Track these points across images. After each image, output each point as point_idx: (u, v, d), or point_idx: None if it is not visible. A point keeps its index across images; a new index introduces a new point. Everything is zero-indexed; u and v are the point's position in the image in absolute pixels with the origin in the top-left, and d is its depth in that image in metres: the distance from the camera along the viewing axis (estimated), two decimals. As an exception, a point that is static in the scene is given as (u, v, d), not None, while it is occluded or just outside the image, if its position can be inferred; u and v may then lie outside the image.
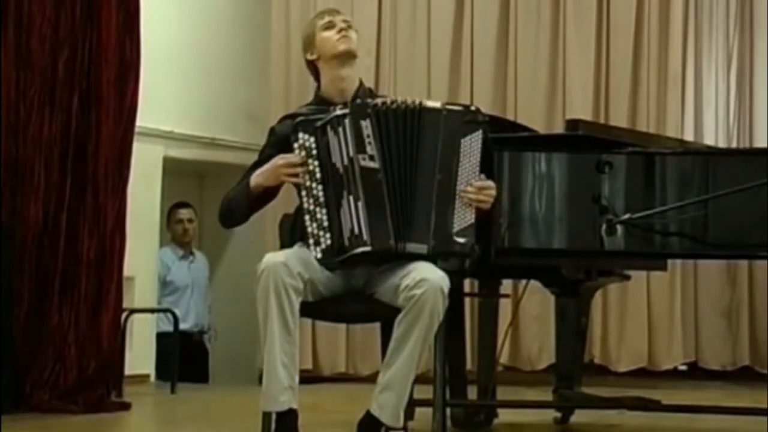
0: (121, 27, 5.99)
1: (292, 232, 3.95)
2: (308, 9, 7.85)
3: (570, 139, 4.76)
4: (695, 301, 7.98)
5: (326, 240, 3.72)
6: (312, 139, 3.75)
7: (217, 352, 8.31)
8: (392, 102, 3.79)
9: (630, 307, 7.86)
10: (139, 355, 7.14)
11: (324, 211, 3.73)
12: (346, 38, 3.93)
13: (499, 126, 4.81)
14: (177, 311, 7.21)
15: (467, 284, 5.27)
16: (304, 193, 3.76)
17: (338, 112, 3.76)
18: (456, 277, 4.01)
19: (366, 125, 3.73)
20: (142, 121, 6.34)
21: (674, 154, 4.67)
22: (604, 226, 4.47)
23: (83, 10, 5.84)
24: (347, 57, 3.93)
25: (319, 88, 4.04)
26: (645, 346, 7.85)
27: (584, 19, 8.03)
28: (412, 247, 3.71)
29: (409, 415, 4.10)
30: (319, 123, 3.76)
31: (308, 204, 3.74)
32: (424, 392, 4.04)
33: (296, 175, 3.74)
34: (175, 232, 8.14)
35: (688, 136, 7.74)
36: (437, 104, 3.81)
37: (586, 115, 7.48)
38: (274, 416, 3.64)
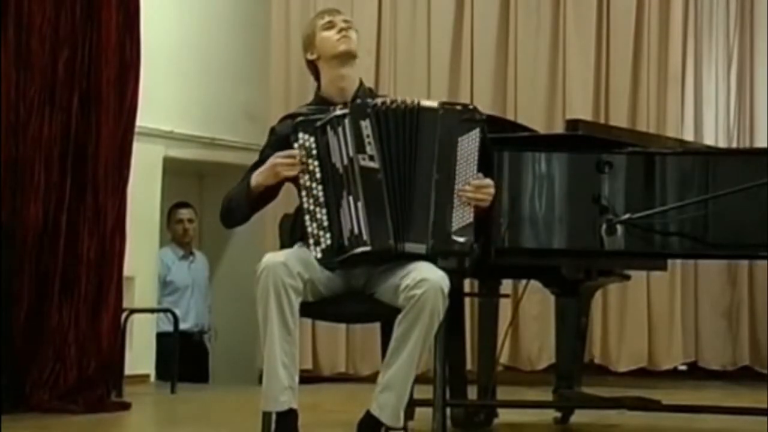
0: (121, 27, 5.99)
1: (292, 232, 3.95)
2: (308, 9, 7.85)
3: (570, 139, 4.76)
4: (695, 301, 7.98)
5: (326, 240, 3.72)
6: (312, 139, 3.75)
7: (217, 352, 8.31)
8: (392, 102, 3.79)
9: (630, 307, 7.86)
10: (139, 355, 7.14)
11: (324, 211, 3.73)
12: (346, 38, 3.93)
13: (499, 126, 4.81)
14: (177, 311, 7.21)
15: (467, 284, 5.27)
16: (304, 193, 3.76)
17: (338, 112, 3.76)
18: (456, 277, 4.00)
19: (366, 125, 3.73)
20: (142, 121, 6.34)
21: (674, 154, 4.67)
22: (604, 226, 4.47)
23: (83, 10, 5.84)
24: (347, 57, 3.93)
25: (319, 88, 4.04)
26: (645, 346, 7.85)
27: (584, 19, 8.03)
28: (412, 246, 3.71)
29: (409, 415, 4.10)
30: (319, 123, 3.76)
31: (308, 204, 3.74)
32: (424, 392, 4.04)
33: (294, 168, 3.74)
34: (175, 232, 8.14)
35: (688, 136, 7.75)
36: (434, 104, 3.81)
37: (586, 115, 7.48)
38: (274, 416, 3.64)
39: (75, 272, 5.77)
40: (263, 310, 3.60)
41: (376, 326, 3.97)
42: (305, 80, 7.48)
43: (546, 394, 5.34)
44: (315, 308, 3.78)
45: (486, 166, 3.82)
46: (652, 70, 7.96)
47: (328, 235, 3.72)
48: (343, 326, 7.69)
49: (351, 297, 3.84)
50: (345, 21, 3.96)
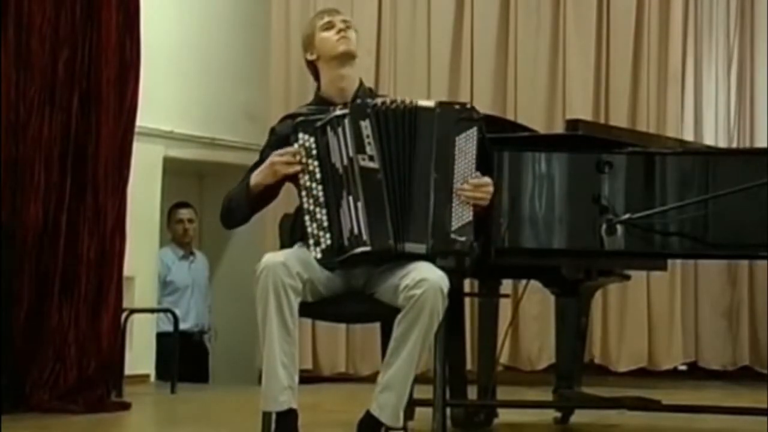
0: (121, 27, 5.99)
1: (292, 232, 3.95)
2: (308, 9, 7.85)
3: (570, 139, 4.76)
4: (695, 301, 7.98)
5: (326, 240, 3.72)
6: (312, 140, 3.75)
7: (217, 352, 8.32)
8: (391, 102, 3.79)
9: (630, 307, 7.86)
10: (139, 355, 7.14)
11: (324, 211, 3.73)
12: (345, 39, 3.93)
13: (499, 126, 4.81)
14: (177, 311, 7.21)
15: (467, 284, 5.27)
16: (303, 193, 3.76)
17: (338, 112, 3.76)
18: (456, 277, 4.00)
19: (365, 125, 3.73)
20: (142, 121, 6.34)
21: (674, 154, 4.67)
22: (604, 226, 4.47)
23: (83, 10, 5.84)
24: (346, 58, 3.93)
25: (319, 88, 4.04)
26: (645, 346, 7.85)
27: (584, 19, 8.03)
28: (411, 247, 3.71)
29: (409, 415, 4.10)
30: (319, 123, 3.76)
31: (308, 204, 3.74)
32: (424, 392, 4.04)
33: (293, 166, 3.74)
34: (175, 232, 8.15)
35: (688, 136, 7.75)
36: (431, 103, 3.81)
37: (586, 115, 7.48)
38: (274, 416, 3.64)
39: (75, 272, 5.77)
40: (262, 310, 3.60)
41: (376, 326, 3.96)
42: (305, 80, 7.48)
43: (546, 394, 5.34)
44: (315, 308, 3.78)
45: (484, 165, 3.81)
46: (652, 70, 7.96)
47: (327, 235, 3.72)
48: (343, 326, 7.69)
49: (351, 297, 3.84)
50: (344, 21, 3.96)
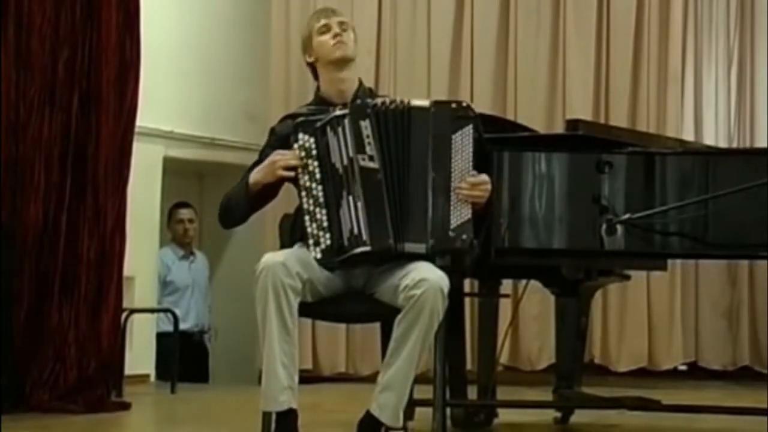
0: (121, 27, 5.99)
1: (292, 232, 3.95)
2: (308, 9, 7.83)
3: (570, 139, 4.76)
4: (695, 301, 7.98)
5: (326, 240, 3.72)
6: (312, 140, 3.76)
7: (217, 352, 8.32)
8: (391, 102, 3.79)
9: (630, 307, 7.86)
10: (139, 355, 7.14)
11: (324, 211, 3.73)
12: (341, 44, 3.92)
13: (499, 126, 4.81)
14: (177, 311, 7.21)
15: (467, 284, 5.27)
16: (303, 193, 3.76)
17: (338, 112, 3.77)
18: (456, 277, 4.00)
19: (365, 125, 3.73)
20: (142, 121, 6.34)
21: (674, 154, 4.67)
22: (604, 226, 4.47)
23: (83, 10, 5.84)
24: (343, 62, 3.94)
25: (318, 88, 4.04)
26: (645, 346, 7.85)
27: (584, 19, 8.03)
28: (411, 246, 3.72)
29: (409, 415, 4.10)
30: (318, 124, 3.76)
31: (308, 204, 3.74)
32: (424, 392, 4.04)
33: (293, 169, 3.74)
34: (175, 232, 8.14)
35: (688, 136, 7.74)
36: (426, 103, 3.81)
37: (586, 115, 7.47)
38: (273, 416, 3.64)
39: (75, 272, 5.77)
40: (262, 310, 3.60)
41: (376, 326, 3.97)
42: (305, 80, 7.48)
43: (546, 394, 5.34)
44: (315, 308, 3.78)
45: (481, 162, 3.81)
46: (652, 70, 7.95)
47: (327, 235, 3.72)
48: (343, 326, 7.69)
49: (351, 297, 3.84)
50: (340, 23, 3.95)
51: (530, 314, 7.64)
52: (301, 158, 3.75)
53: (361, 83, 4.00)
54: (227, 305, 8.26)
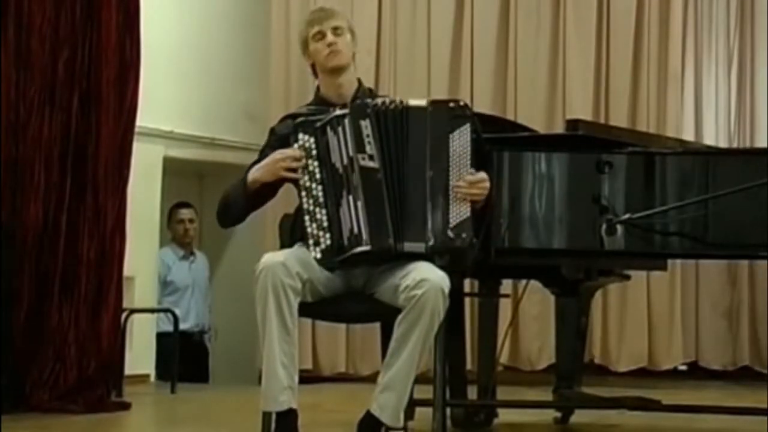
0: (121, 27, 5.99)
1: (292, 232, 3.95)
2: (308, 9, 7.83)
3: (570, 139, 4.76)
4: (695, 301, 7.98)
5: (326, 240, 3.72)
6: (312, 140, 3.76)
7: (217, 352, 8.31)
8: (390, 102, 3.80)
9: (630, 307, 7.86)
10: (139, 355, 7.14)
11: (324, 211, 3.73)
12: (334, 53, 3.90)
13: (499, 126, 4.81)
14: (177, 311, 7.21)
15: (467, 284, 5.27)
16: (303, 193, 3.76)
17: (338, 112, 3.77)
18: (456, 277, 4.00)
19: (365, 125, 3.74)
20: (142, 121, 6.33)
21: (674, 154, 4.67)
22: (604, 226, 4.47)
23: (83, 10, 5.84)
24: (338, 71, 3.93)
25: (319, 88, 4.04)
26: (645, 346, 7.85)
27: (584, 19, 8.03)
28: (410, 246, 3.71)
29: (409, 415, 4.10)
30: (318, 124, 3.76)
31: (308, 204, 3.74)
32: (424, 392, 4.04)
33: (294, 170, 3.74)
34: (176, 232, 8.14)
35: (688, 136, 7.74)
36: (423, 102, 3.81)
37: (586, 115, 7.47)
38: (273, 416, 3.64)
39: (75, 272, 5.77)
40: (262, 310, 3.60)
41: (376, 326, 3.96)
42: (305, 80, 7.50)
43: (546, 394, 5.34)
44: (315, 308, 3.78)
45: (480, 161, 3.81)
46: (652, 70, 7.96)
47: (327, 235, 3.72)
48: (343, 326, 7.69)
49: (351, 297, 3.84)
50: (334, 29, 3.91)
51: (530, 314, 7.64)
52: (302, 158, 3.75)
53: (360, 83, 4.00)
54: (227, 305, 8.26)
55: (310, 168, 3.75)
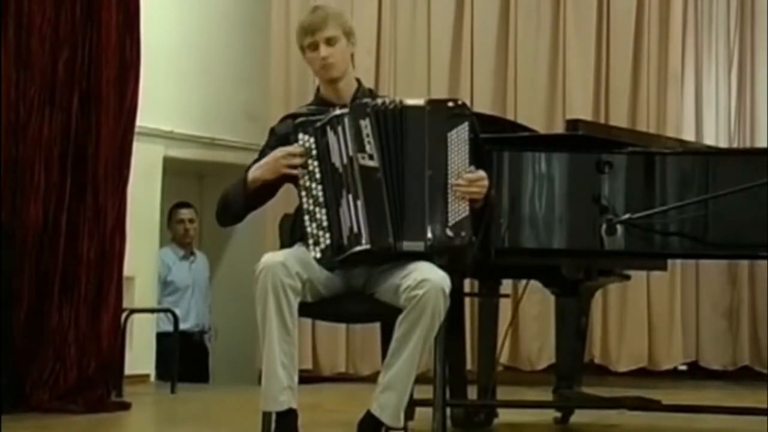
0: (121, 27, 5.98)
1: (292, 232, 3.95)
2: (308, 9, 7.83)
3: (570, 139, 4.76)
4: (696, 301, 7.98)
5: (325, 240, 3.72)
6: (312, 140, 3.76)
7: (217, 352, 8.32)
8: (390, 102, 3.80)
9: (630, 307, 7.86)
10: (139, 355, 7.14)
11: (323, 211, 3.73)
12: (328, 67, 3.88)
13: (499, 126, 4.82)
14: (177, 311, 7.21)
15: (467, 284, 5.27)
16: (303, 193, 3.76)
17: (338, 111, 3.77)
18: (456, 277, 4.00)
19: (365, 124, 3.74)
20: (142, 121, 6.33)
21: (674, 154, 4.67)
22: (604, 226, 4.47)
23: (83, 10, 5.84)
24: (333, 82, 3.92)
25: (319, 88, 4.04)
26: (645, 346, 7.85)
27: (584, 19, 8.03)
28: (409, 245, 3.71)
29: (409, 415, 4.10)
30: (318, 124, 3.76)
31: (308, 204, 3.74)
32: (424, 392, 4.04)
33: (295, 167, 3.74)
34: (176, 232, 8.14)
35: (688, 136, 7.74)
36: (421, 101, 3.81)
37: (586, 115, 7.48)
38: (273, 416, 3.64)
39: (75, 272, 5.77)
40: (262, 310, 3.60)
41: (376, 326, 3.96)
42: (305, 80, 7.51)
43: (546, 394, 5.34)
44: (315, 308, 3.78)
45: (478, 160, 3.81)
46: (652, 70, 7.96)
47: (327, 234, 3.72)
48: (343, 326, 7.69)
49: (351, 297, 3.84)
50: (328, 40, 3.88)
51: (530, 314, 7.64)
52: (302, 150, 3.75)
53: (360, 84, 4.00)
54: (227, 305, 8.26)
55: (310, 168, 3.75)
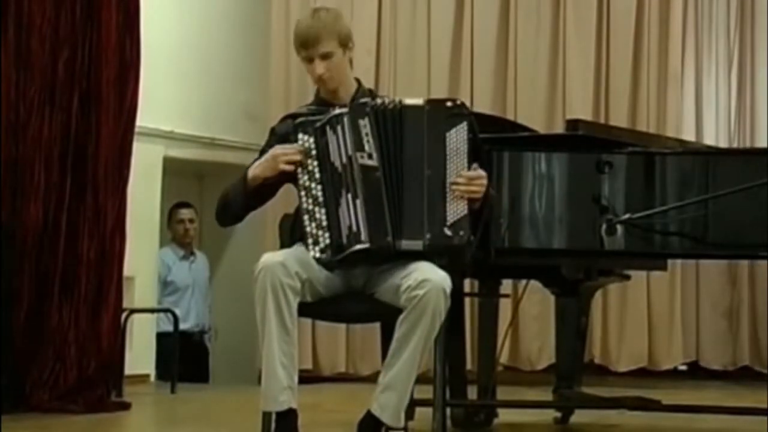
0: (121, 27, 5.98)
1: (292, 232, 3.95)
2: (308, 9, 7.84)
3: (570, 139, 4.76)
4: (696, 301, 7.98)
5: (325, 239, 3.72)
6: (311, 140, 3.76)
7: (217, 352, 8.32)
8: (389, 102, 3.80)
9: (630, 307, 7.86)
10: (139, 355, 7.14)
11: (323, 210, 3.73)
12: (323, 81, 3.87)
13: (499, 126, 4.82)
14: (177, 311, 7.21)
15: (467, 284, 5.27)
16: (303, 193, 3.76)
17: (337, 111, 3.77)
18: (456, 277, 4.00)
19: (364, 124, 3.74)
20: (142, 121, 6.33)
21: (674, 154, 4.68)
22: (604, 226, 4.47)
23: (83, 10, 5.84)
24: (330, 93, 3.91)
25: (319, 89, 4.03)
26: (645, 346, 7.85)
27: (584, 19, 8.03)
28: (408, 244, 3.71)
29: (409, 415, 4.09)
30: (318, 123, 3.76)
31: (307, 204, 3.74)
32: (424, 392, 4.04)
33: (294, 163, 3.73)
34: (176, 233, 8.14)
35: (688, 136, 7.75)
36: (420, 101, 3.81)
37: (586, 115, 7.48)
38: (273, 416, 3.64)
39: (75, 272, 5.76)
40: (261, 310, 3.60)
41: (376, 326, 3.96)
42: (305, 80, 7.50)
43: (546, 394, 5.34)
44: (315, 308, 3.77)
45: (477, 160, 3.81)
46: (652, 70, 7.96)
47: (326, 234, 3.72)
48: (343, 326, 7.69)
49: (351, 297, 3.83)
50: (323, 56, 3.83)
51: (530, 314, 7.64)
52: (302, 151, 3.74)
53: (360, 84, 3.99)
54: (227, 305, 8.26)
55: (310, 168, 3.75)
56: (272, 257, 3.64)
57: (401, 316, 3.62)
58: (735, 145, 8.04)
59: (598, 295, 6.34)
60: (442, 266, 3.70)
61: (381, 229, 3.70)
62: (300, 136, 3.76)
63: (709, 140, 7.87)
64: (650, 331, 7.87)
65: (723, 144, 7.93)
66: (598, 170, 4.53)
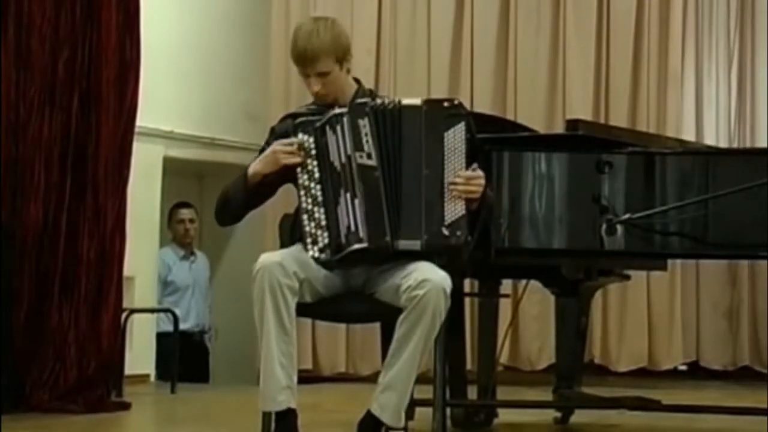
0: (121, 27, 5.98)
1: (292, 232, 3.95)
2: (308, 9, 7.87)
3: (570, 139, 4.76)
4: (696, 301, 7.98)
5: (324, 239, 3.72)
6: (311, 140, 3.76)
7: (217, 352, 8.32)
8: (389, 102, 3.80)
9: (630, 307, 7.86)
10: (139, 355, 7.14)
11: (322, 210, 3.73)
12: (320, 97, 3.86)
13: (499, 126, 4.82)
14: (178, 311, 7.21)
15: (467, 284, 5.27)
16: (302, 192, 3.76)
17: (337, 111, 3.77)
18: (456, 277, 4.00)
19: (364, 124, 3.74)
20: (142, 121, 6.33)
21: (674, 154, 4.68)
22: (604, 226, 4.47)
23: (83, 10, 5.84)
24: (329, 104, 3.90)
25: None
26: (645, 346, 7.85)
27: (584, 19, 8.03)
28: (406, 243, 3.71)
29: (409, 415, 4.09)
30: (318, 123, 3.77)
31: (306, 203, 3.75)
32: (424, 392, 4.04)
33: (293, 156, 3.73)
34: (176, 233, 8.14)
35: (688, 136, 7.75)
36: (417, 101, 3.81)
37: (586, 115, 7.48)
38: (273, 416, 3.64)
39: (75, 272, 5.76)
40: (259, 310, 3.60)
41: (376, 326, 3.96)
42: (305, 80, 7.48)
43: (546, 394, 5.34)
44: (314, 308, 3.77)
45: (475, 160, 3.81)
46: (652, 70, 7.96)
47: (325, 233, 3.72)
48: (343, 326, 7.69)
49: (350, 297, 3.83)
50: (318, 75, 3.80)
51: (530, 314, 7.64)
52: (302, 144, 3.75)
53: (360, 84, 3.99)
54: (227, 305, 8.26)
55: (309, 167, 3.75)
56: (270, 257, 3.64)
57: (401, 316, 3.62)
58: (735, 145, 8.04)
59: (598, 295, 6.34)
60: (441, 266, 3.70)
61: (379, 228, 3.70)
62: (300, 135, 3.77)
63: (709, 140, 7.87)
64: (650, 331, 7.87)
65: (723, 144, 7.93)
66: (598, 170, 4.53)
